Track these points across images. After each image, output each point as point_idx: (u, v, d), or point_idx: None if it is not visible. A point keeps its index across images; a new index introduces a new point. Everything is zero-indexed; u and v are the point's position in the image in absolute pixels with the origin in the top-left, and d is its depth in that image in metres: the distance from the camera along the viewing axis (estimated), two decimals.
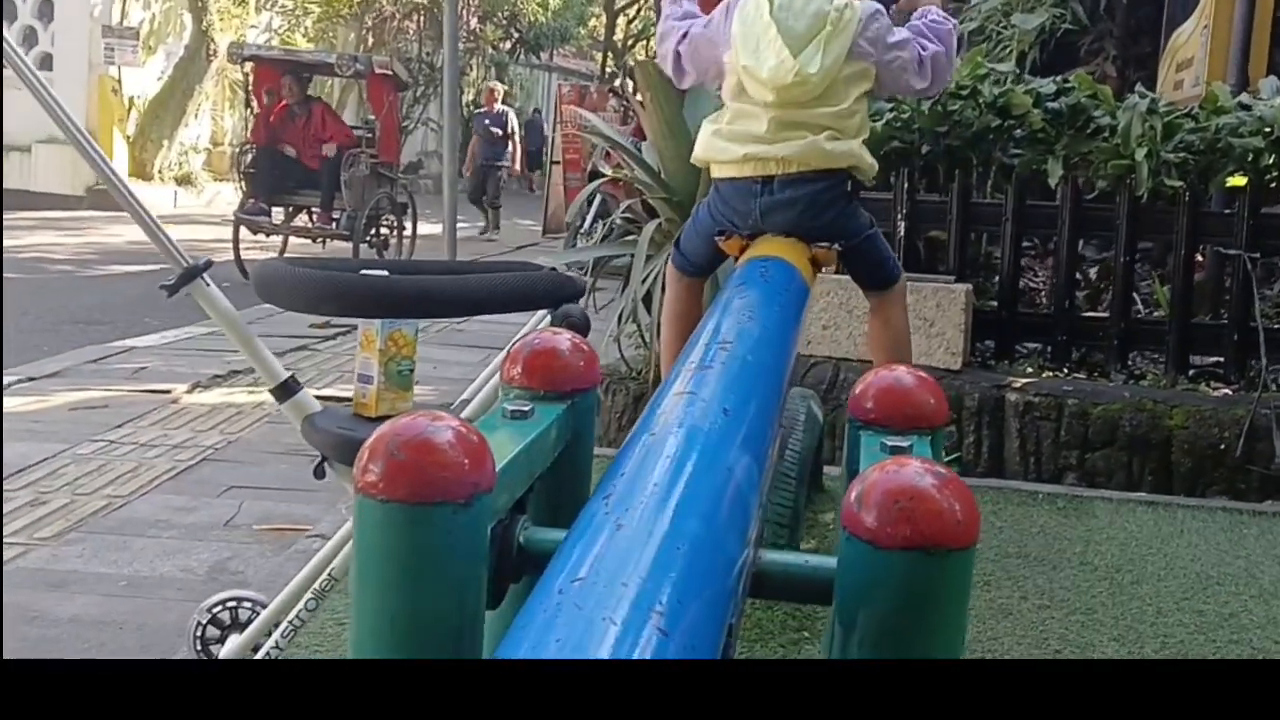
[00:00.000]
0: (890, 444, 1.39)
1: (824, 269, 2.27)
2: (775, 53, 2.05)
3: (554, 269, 1.78)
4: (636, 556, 0.86)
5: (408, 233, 9.18)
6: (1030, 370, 3.68)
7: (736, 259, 2.15)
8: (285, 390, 1.58)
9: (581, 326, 1.58)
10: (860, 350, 3.60)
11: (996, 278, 3.84)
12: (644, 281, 3.48)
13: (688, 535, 0.98)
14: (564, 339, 1.45)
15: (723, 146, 2.15)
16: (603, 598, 0.78)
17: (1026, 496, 3.29)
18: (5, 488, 3.03)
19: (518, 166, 12.93)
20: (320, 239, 8.66)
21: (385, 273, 1.59)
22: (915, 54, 2.15)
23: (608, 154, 6.20)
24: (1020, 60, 5.16)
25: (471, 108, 18.81)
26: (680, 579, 0.85)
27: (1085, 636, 2.37)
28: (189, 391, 4.27)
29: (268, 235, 8.56)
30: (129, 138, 12.92)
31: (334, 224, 8.58)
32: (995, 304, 3.77)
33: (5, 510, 2.87)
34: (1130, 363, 3.75)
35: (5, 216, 10.84)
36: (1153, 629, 2.42)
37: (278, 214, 8.73)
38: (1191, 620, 2.46)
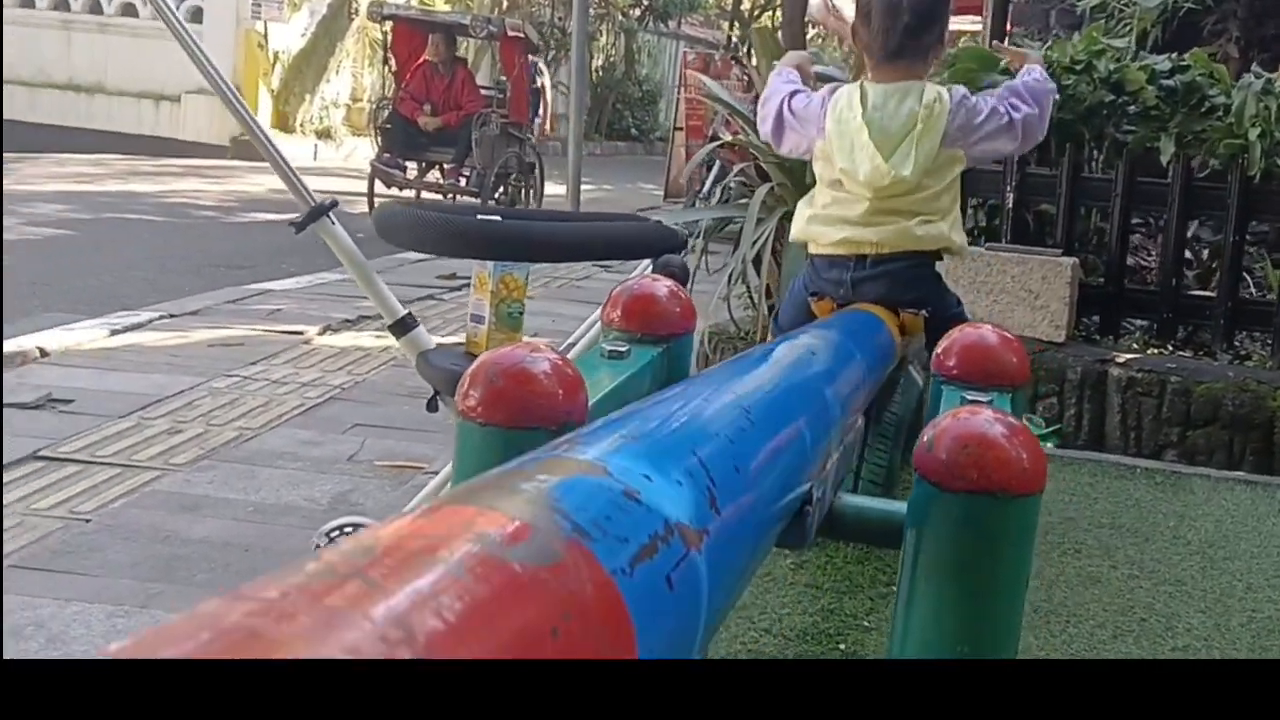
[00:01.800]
0: (969, 398, 1.47)
1: (910, 340, 2.33)
2: (869, 157, 2.15)
3: (659, 222, 1.90)
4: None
5: (535, 191, 9.40)
6: (1135, 347, 3.66)
7: None
8: (402, 326, 1.72)
9: (681, 276, 1.69)
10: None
11: (1104, 254, 3.81)
12: (754, 244, 3.56)
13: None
14: (662, 285, 1.57)
15: (820, 231, 2.27)
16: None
17: (1125, 470, 3.29)
18: (144, 416, 3.28)
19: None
20: (450, 195, 8.93)
21: (498, 218, 1.72)
22: (1005, 119, 2.21)
23: (727, 121, 6.26)
24: (1141, 38, 5.05)
25: (600, 73, 19.01)
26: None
27: (1172, 607, 2.39)
28: (320, 334, 4.52)
29: (400, 189, 8.86)
30: (273, 91, 13.44)
31: (464, 181, 8.85)
32: (1102, 279, 3.75)
33: (145, 436, 3.12)
34: (1238, 344, 3.69)
35: (156, 163, 11.45)
36: (1240, 603, 2.43)
37: (411, 170, 9.04)
38: None
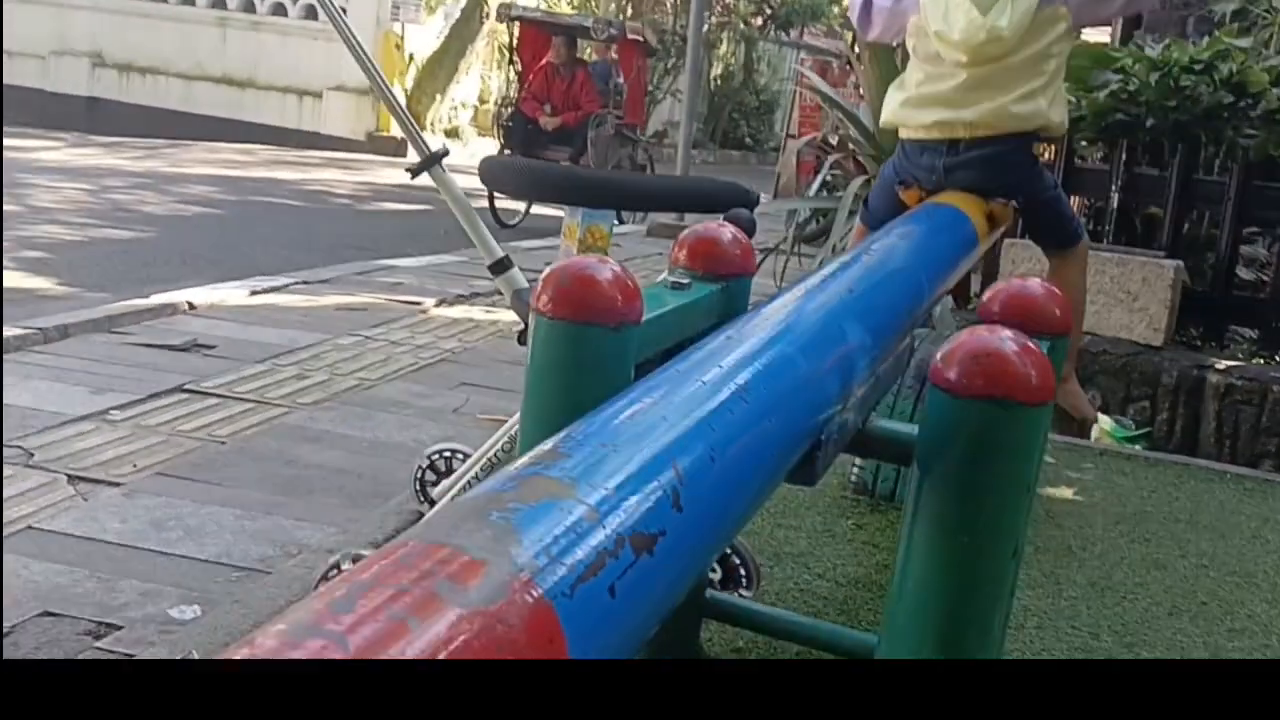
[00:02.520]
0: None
1: (1002, 228, 2.30)
2: (964, 13, 2.12)
3: (733, 182, 2.03)
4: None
5: None
6: (1240, 356, 3.63)
7: None
8: (500, 266, 1.89)
9: (748, 227, 1.81)
10: None
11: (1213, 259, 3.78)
12: (844, 236, 3.66)
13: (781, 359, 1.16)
14: (726, 230, 1.70)
15: (912, 114, 2.23)
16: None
17: (1214, 474, 3.27)
18: (276, 363, 3.58)
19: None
20: None
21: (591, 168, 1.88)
22: None
23: (836, 127, 6.34)
24: None
25: (718, 81, 19.13)
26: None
27: (1237, 595, 2.40)
28: (436, 305, 4.80)
29: None
30: (407, 91, 13.96)
31: None
32: (1209, 285, 3.72)
33: (276, 379, 3.40)
34: None
35: (299, 153, 12.03)
36: None
37: None
38: None
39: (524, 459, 0.77)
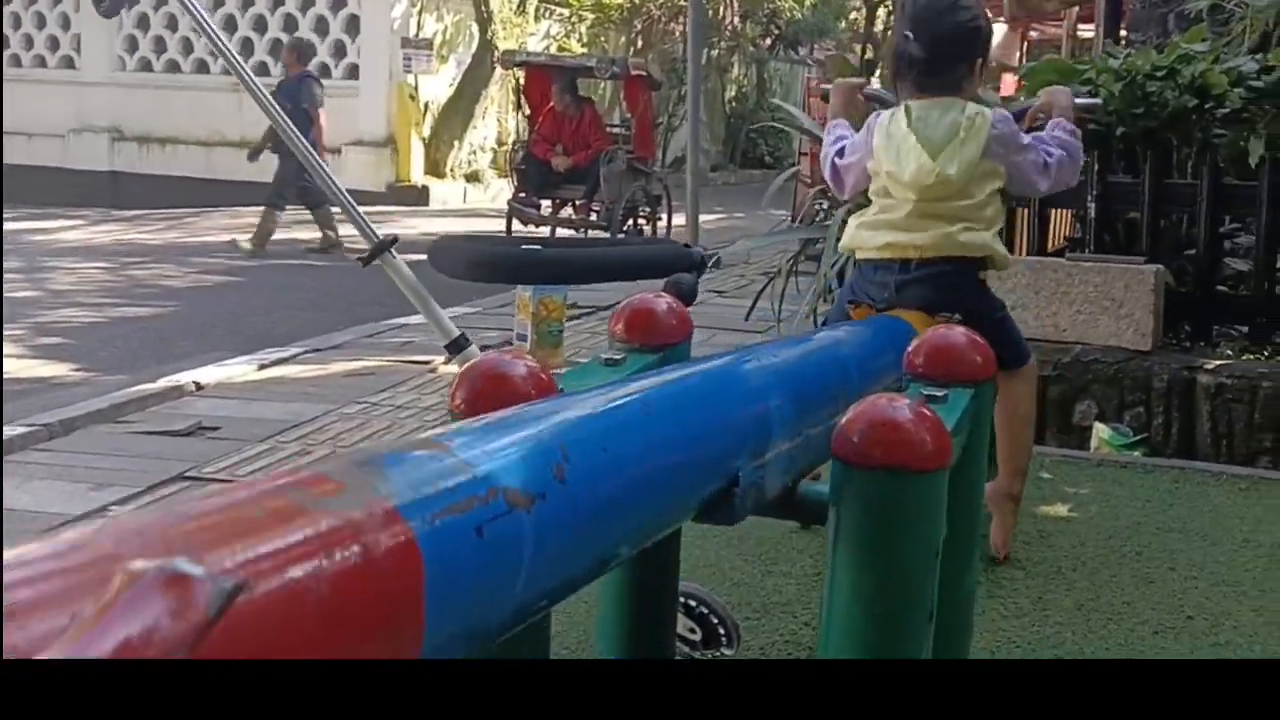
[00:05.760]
0: (926, 393, 1.62)
1: None
2: (915, 158, 2.29)
3: (684, 244, 2.10)
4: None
5: (662, 223, 9.70)
6: (1229, 353, 3.63)
7: None
8: (456, 345, 1.97)
9: (688, 292, 1.89)
10: (1046, 329, 3.68)
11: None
12: (834, 264, 3.71)
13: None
14: (662, 301, 1.77)
15: (867, 235, 2.39)
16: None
17: (1209, 477, 3.28)
18: (279, 440, 3.67)
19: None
20: (582, 229, 9.31)
21: (539, 248, 1.96)
22: (1041, 158, 2.35)
23: None
24: (1265, 39, 4.95)
25: (733, 104, 19.25)
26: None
27: (1224, 605, 2.42)
28: (445, 363, 4.87)
29: (536, 226, 9.29)
30: (425, 140, 14.19)
31: (594, 216, 9.23)
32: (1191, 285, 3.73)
33: (278, 458, 3.49)
34: None
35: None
36: None
37: (546, 207, 9.49)
38: None
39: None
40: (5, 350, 4.39)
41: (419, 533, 0.71)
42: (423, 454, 0.80)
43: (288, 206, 8.76)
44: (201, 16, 1.94)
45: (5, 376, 3.99)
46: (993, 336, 2.43)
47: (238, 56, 2.06)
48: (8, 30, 14.60)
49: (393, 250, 1.97)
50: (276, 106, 2.03)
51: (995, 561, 2.57)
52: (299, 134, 2.02)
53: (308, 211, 8.85)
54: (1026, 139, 2.38)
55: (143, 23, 14.65)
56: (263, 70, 14.07)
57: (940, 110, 2.32)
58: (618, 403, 1.09)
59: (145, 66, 14.75)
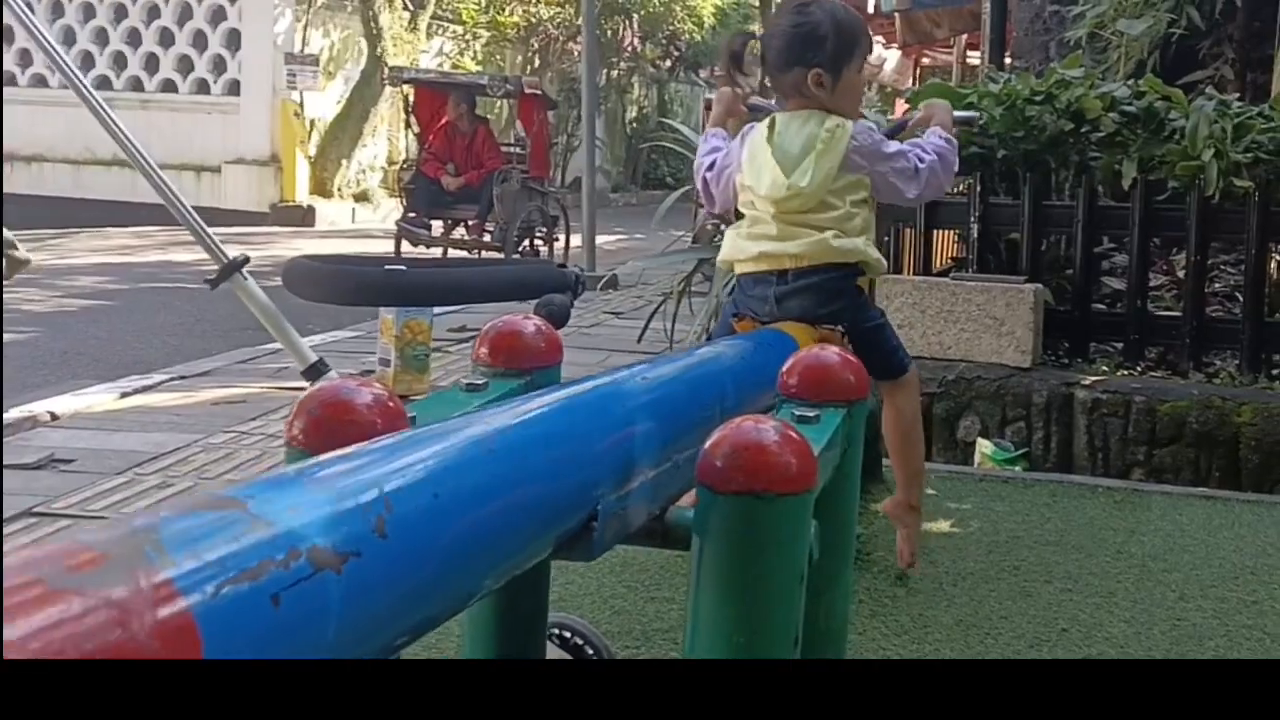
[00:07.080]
0: (798, 413, 1.58)
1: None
2: (770, 172, 2.27)
3: (558, 264, 2.04)
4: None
5: (560, 244, 9.60)
6: (1105, 369, 3.71)
7: None
8: (315, 371, 1.88)
9: (559, 314, 1.82)
10: (932, 347, 3.71)
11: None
12: (725, 285, 3.69)
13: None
14: (530, 323, 1.69)
15: (742, 246, 2.36)
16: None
17: (1086, 490, 3.33)
18: (139, 472, 3.47)
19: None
20: (475, 250, 9.14)
21: (403, 268, 1.88)
22: (912, 165, 2.33)
23: None
24: (1140, 66, 5.12)
25: (633, 124, 19.32)
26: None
27: (1097, 617, 2.45)
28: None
29: (427, 247, 9.11)
30: (310, 158, 13.89)
31: (488, 237, 9.08)
32: (1069, 304, 3.82)
33: (136, 491, 3.30)
34: (1208, 362, 3.73)
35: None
36: (1168, 612, 2.47)
37: (438, 227, 9.30)
38: (1211, 606, 2.51)
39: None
40: None
41: (197, 609, 0.61)
42: (211, 514, 0.70)
43: (173, 229, 8.43)
44: (38, 29, 1.81)
45: None
46: (873, 344, 2.43)
47: (77, 70, 1.94)
48: None
49: (244, 271, 1.87)
50: (118, 121, 1.92)
51: (904, 573, 2.57)
52: (144, 152, 1.91)
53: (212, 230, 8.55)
54: (893, 147, 2.35)
55: (7, 35, 14.07)
56: (170, 87, 13.61)
57: (800, 122, 2.30)
58: (457, 439, 1.00)
59: (10, 81, 14.15)
